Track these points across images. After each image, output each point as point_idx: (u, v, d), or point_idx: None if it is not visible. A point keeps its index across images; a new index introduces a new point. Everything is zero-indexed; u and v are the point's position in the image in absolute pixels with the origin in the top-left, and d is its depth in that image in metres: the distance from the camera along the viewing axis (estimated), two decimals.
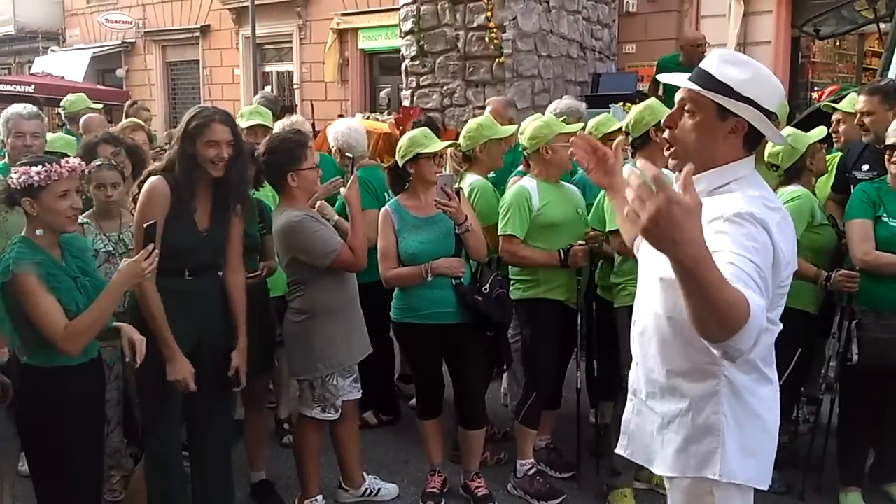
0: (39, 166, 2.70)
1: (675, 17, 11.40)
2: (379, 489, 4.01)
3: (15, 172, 2.73)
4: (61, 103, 6.50)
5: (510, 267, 4.03)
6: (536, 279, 3.93)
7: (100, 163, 3.81)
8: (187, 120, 3.12)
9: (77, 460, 2.85)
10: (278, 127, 4.71)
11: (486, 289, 3.68)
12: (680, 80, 1.99)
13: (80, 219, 3.80)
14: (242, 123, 4.74)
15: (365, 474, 4.02)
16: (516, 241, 3.85)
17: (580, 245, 3.82)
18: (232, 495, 3.50)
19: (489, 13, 7.49)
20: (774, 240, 1.80)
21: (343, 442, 3.86)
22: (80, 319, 2.67)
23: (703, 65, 1.95)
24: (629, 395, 2.26)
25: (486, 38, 7.54)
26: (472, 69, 7.73)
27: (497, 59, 7.55)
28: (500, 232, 3.88)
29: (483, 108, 7.11)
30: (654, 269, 2.04)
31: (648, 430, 2.15)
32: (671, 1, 11.38)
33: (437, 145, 3.77)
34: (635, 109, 3.91)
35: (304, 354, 3.60)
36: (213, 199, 3.21)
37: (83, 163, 2.89)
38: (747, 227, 1.78)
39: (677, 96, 2.00)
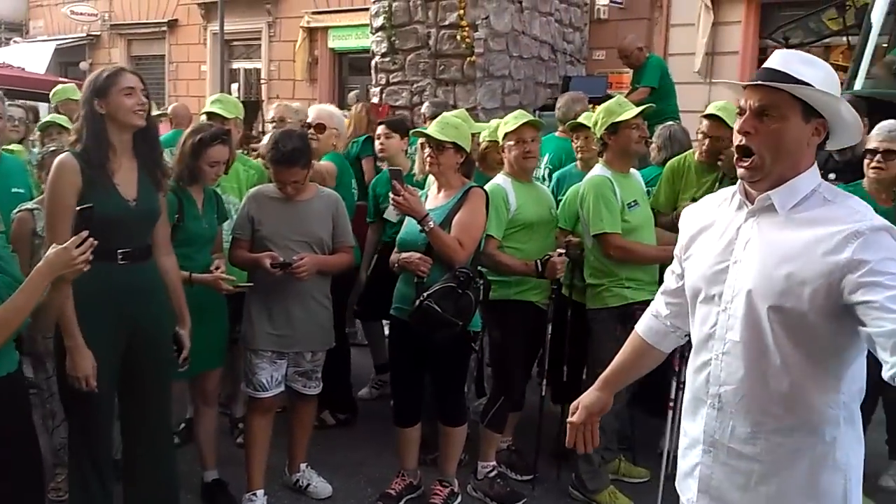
0: None
1: (645, 24, 11.45)
2: (308, 484, 3.91)
3: None
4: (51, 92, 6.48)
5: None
6: (508, 280, 3.82)
7: None
8: (93, 79, 2.95)
9: None
10: None
11: (423, 296, 3.37)
12: (749, 82, 1.79)
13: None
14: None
15: (303, 466, 3.93)
16: (494, 243, 3.74)
17: (559, 255, 3.70)
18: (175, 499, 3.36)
19: (462, 11, 7.41)
20: None
21: (288, 429, 3.88)
22: None
23: (774, 65, 1.77)
24: (703, 447, 1.90)
25: (458, 37, 7.46)
26: (442, 67, 7.65)
27: (468, 58, 7.47)
28: None
29: (454, 106, 7.05)
30: (743, 294, 1.78)
31: (738, 482, 1.84)
32: (642, 9, 11.44)
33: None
34: None
35: None
36: (136, 166, 3.03)
37: None
38: None
39: (750, 100, 1.76)
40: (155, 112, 5.42)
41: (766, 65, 1.80)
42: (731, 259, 1.83)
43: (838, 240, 1.63)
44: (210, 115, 4.63)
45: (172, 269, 3.21)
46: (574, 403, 2.22)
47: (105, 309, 2.83)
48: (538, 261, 3.69)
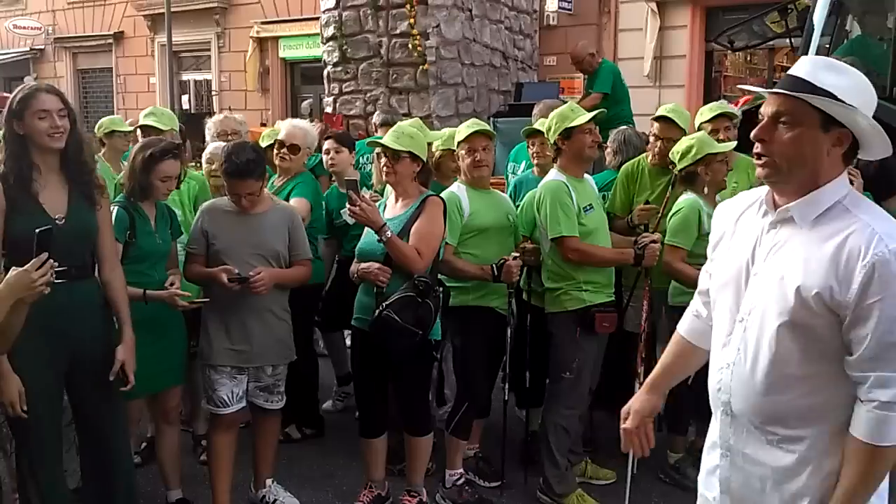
0: None
1: (594, 30, 11.61)
2: (275, 499, 3.85)
3: None
4: None
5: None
6: (467, 286, 3.82)
7: None
8: (10, 100, 2.90)
9: None
10: None
11: (382, 306, 3.36)
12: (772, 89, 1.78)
13: None
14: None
15: (269, 481, 3.87)
16: (449, 248, 3.74)
17: (514, 259, 3.72)
18: None
19: (412, 20, 7.43)
20: None
21: (253, 445, 3.82)
22: None
23: (798, 73, 1.74)
24: (721, 451, 1.95)
25: (410, 45, 7.48)
26: (395, 76, 7.66)
27: (421, 67, 7.49)
28: None
29: (408, 114, 7.06)
30: (760, 308, 1.80)
31: (755, 486, 1.87)
32: (590, 15, 11.60)
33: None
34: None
35: None
36: (63, 184, 2.96)
37: None
38: None
39: (768, 108, 1.76)
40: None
41: (790, 72, 1.77)
42: (751, 271, 1.84)
43: (853, 268, 1.65)
44: (144, 128, 4.57)
45: (118, 284, 3.13)
46: (625, 409, 2.22)
47: (40, 330, 2.75)
48: (494, 265, 3.71)
